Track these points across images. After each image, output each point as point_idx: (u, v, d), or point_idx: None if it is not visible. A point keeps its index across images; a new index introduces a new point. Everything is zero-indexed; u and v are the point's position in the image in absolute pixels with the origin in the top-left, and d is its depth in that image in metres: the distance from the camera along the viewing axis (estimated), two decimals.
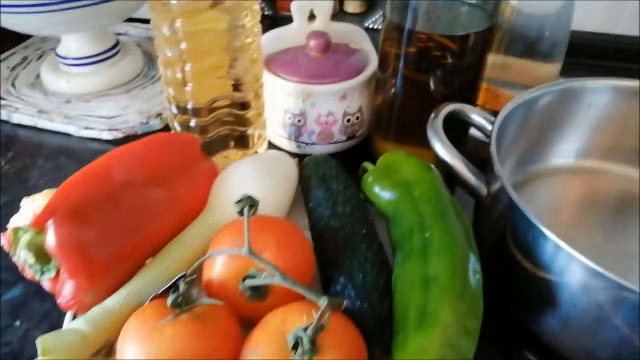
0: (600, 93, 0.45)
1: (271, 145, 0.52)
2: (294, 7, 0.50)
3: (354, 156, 0.52)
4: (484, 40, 0.44)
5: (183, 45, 0.39)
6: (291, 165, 0.41)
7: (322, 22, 0.51)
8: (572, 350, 0.34)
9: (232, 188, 0.37)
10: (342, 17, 0.80)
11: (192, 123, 0.43)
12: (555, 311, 0.33)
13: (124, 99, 0.58)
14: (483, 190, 0.38)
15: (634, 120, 0.45)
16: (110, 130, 0.53)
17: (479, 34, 0.43)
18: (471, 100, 0.48)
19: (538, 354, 0.36)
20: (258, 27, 0.43)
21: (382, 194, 0.38)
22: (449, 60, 0.43)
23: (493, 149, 0.37)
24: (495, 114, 0.44)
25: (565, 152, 0.47)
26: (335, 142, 0.50)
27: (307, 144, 0.50)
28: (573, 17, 0.66)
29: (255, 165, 0.39)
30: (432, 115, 0.41)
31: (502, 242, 0.36)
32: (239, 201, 0.30)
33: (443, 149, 0.39)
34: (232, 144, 0.46)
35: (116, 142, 0.53)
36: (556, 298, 0.32)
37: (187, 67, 0.40)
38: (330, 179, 0.39)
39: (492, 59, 0.50)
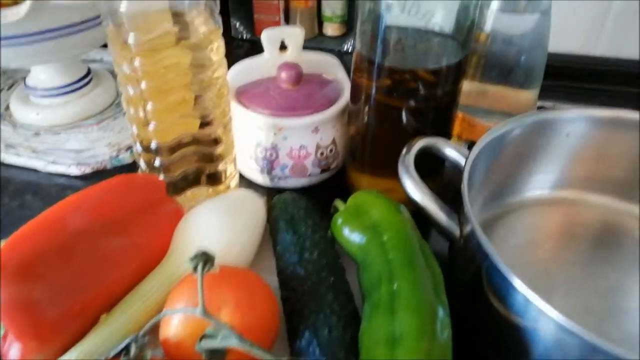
0: (576, 123, 0.44)
1: (244, 179, 0.51)
2: (264, 38, 0.48)
3: (329, 189, 0.51)
4: (457, 71, 0.43)
5: (143, 85, 0.37)
6: (258, 205, 0.39)
7: (294, 52, 0.49)
8: None
9: (193, 234, 0.36)
10: (322, 40, 0.79)
11: (157, 162, 0.41)
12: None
13: (94, 131, 0.56)
14: (456, 231, 0.37)
15: (611, 149, 0.44)
16: (78, 165, 0.52)
17: (452, 65, 0.42)
18: (446, 131, 0.47)
19: None
20: (224, 60, 0.42)
21: (352, 236, 0.36)
22: (422, 92, 0.42)
23: (464, 190, 0.36)
24: (471, 144, 0.42)
25: (542, 183, 0.46)
26: (309, 176, 0.49)
27: (280, 177, 0.48)
28: (549, 40, 0.66)
29: (219, 208, 0.37)
30: (404, 150, 0.40)
31: (476, 286, 0.34)
32: (193, 257, 0.29)
33: (414, 188, 0.38)
34: (202, 180, 0.45)
35: (84, 178, 0.52)
36: (530, 350, 0.31)
37: (149, 106, 0.38)
38: (299, 221, 0.37)
39: (468, 86, 0.49)
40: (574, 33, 0.67)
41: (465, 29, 0.41)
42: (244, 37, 0.79)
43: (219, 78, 0.41)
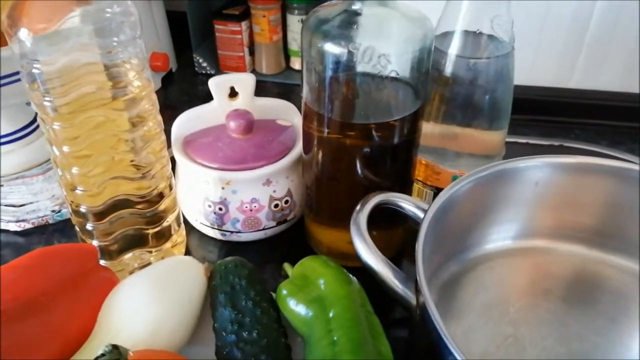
0: (541, 170, 0.41)
1: (197, 233, 0.48)
2: (211, 85, 0.46)
3: (288, 241, 0.48)
4: (413, 119, 0.40)
5: (66, 149, 0.34)
6: (197, 274, 0.36)
7: (245, 99, 0.47)
8: None
9: (118, 313, 0.32)
10: (289, 74, 0.76)
11: (89, 226, 0.38)
12: None
13: (38, 182, 0.53)
14: (412, 300, 0.34)
15: (578, 196, 0.41)
16: (18, 221, 0.48)
17: (407, 114, 0.39)
18: (405, 180, 0.44)
19: None
20: (158, 114, 0.39)
21: (297, 309, 0.33)
22: (376, 144, 0.39)
23: (418, 258, 0.32)
24: (437, 191, 0.39)
25: (509, 233, 0.42)
26: (264, 229, 0.46)
27: (232, 232, 0.45)
28: (523, 74, 0.63)
29: (150, 279, 0.34)
30: (357, 208, 0.37)
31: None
32: (100, 355, 0.25)
33: (367, 253, 0.35)
34: (145, 241, 0.41)
35: (25, 234, 0.48)
36: None
37: (74, 170, 0.35)
38: (240, 293, 0.34)
39: (436, 128, 0.47)
40: (547, 66, 0.65)
41: (421, 75, 0.39)
42: (208, 73, 0.76)
43: (156, 130, 0.38)
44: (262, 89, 0.75)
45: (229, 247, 0.47)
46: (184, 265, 0.36)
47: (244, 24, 0.72)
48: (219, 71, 0.76)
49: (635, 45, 0.62)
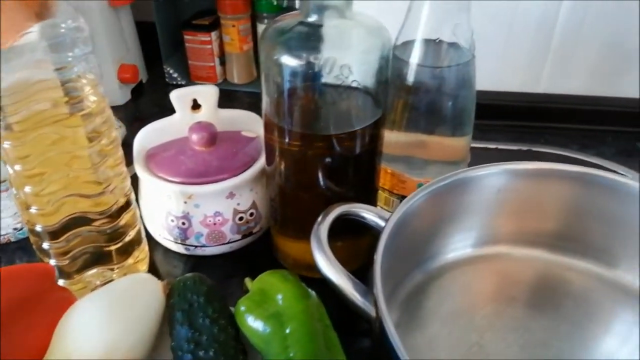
0: (501, 177, 0.41)
1: (161, 248, 0.47)
2: (173, 98, 0.45)
3: (254, 253, 0.47)
4: (373, 129, 0.40)
5: (18, 167, 0.33)
6: (155, 291, 0.35)
7: (208, 111, 0.46)
8: None
9: (75, 332, 0.31)
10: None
11: (45, 245, 0.37)
12: None
13: (2, 199, 0.52)
14: (372, 312, 0.33)
15: (539, 201, 0.41)
16: None
17: (368, 124, 0.39)
18: (368, 189, 0.44)
19: None
20: (114, 130, 0.38)
21: (255, 325, 0.32)
22: (338, 154, 0.39)
23: (377, 271, 0.32)
24: (403, 199, 0.39)
25: (472, 240, 0.42)
26: (229, 242, 0.45)
27: (196, 246, 0.45)
28: (491, 79, 0.64)
29: (107, 299, 0.33)
30: (318, 221, 0.37)
31: None
32: None
33: (326, 266, 0.34)
34: (106, 258, 0.41)
35: None
36: None
37: (27, 189, 0.34)
38: (197, 311, 0.33)
39: (401, 137, 0.46)
40: (515, 72, 0.65)
41: (381, 84, 0.39)
42: (179, 83, 0.75)
43: (113, 145, 0.38)
44: (233, 98, 0.75)
45: (194, 262, 0.46)
46: (141, 283, 0.36)
47: (213, 34, 0.71)
48: (190, 82, 0.75)
49: (601, 48, 0.63)
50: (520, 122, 0.66)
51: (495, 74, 0.65)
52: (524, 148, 0.63)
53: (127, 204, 0.40)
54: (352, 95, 0.38)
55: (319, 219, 0.37)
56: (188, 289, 0.35)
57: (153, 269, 0.46)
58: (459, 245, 0.41)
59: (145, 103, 0.73)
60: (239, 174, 0.43)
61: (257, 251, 0.47)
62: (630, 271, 0.39)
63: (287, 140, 0.39)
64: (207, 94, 0.46)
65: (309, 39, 0.37)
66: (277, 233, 0.45)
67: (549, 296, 0.41)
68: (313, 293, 0.34)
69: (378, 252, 0.34)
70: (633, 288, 0.39)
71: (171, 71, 0.75)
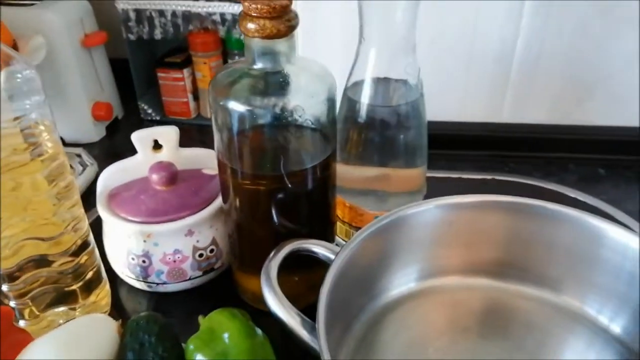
0: (438, 211, 0.42)
1: (125, 285, 0.48)
2: (134, 139, 0.46)
3: (216, 289, 0.48)
4: (324, 166, 0.41)
5: None
6: (109, 331, 0.36)
7: (169, 151, 0.47)
8: None
9: None
10: None
11: (4, 288, 0.38)
12: None
13: None
14: (317, 346, 0.34)
15: (482, 231, 0.42)
16: None
17: (317, 163, 0.41)
18: (324, 226, 0.45)
19: None
20: (69, 174, 0.39)
21: None
22: (290, 191, 0.40)
23: (321, 307, 0.33)
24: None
25: (420, 273, 0.43)
26: (190, 279, 0.46)
27: (157, 283, 0.46)
28: (456, 110, 0.65)
29: (59, 339, 0.34)
30: (269, 257, 0.38)
31: None
32: None
33: (274, 302, 0.35)
34: (67, 297, 0.41)
35: None
36: None
37: None
38: (148, 350, 0.34)
39: (355, 171, 0.48)
40: (477, 103, 0.67)
41: (328, 123, 0.40)
42: (154, 119, 0.77)
43: (69, 188, 0.39)
44: (206, 133, 0.76)
45: (157, 298, 0.47)
46: (96, 323, 0.36)
47: (186, 71, 0.73)
48: (164, 117, 0.77)
49: (559, 79, 0.65)
50: (485, 151, 0.68)
51: (459, 106, 0.67)
52: (488, 177, 0.64)
53: (86, 244, 0.41)
54: (300, 136, 0.40)
55: (270, 255, 0.38)
56: (140, 329, 0.36)
57: (118, 306, 0.47)
58: (405, 280, 0.43)
59: (120, 139, 0.75)
60: (198, 211, 0.44)
61: (220, 286, 0.48)
62: (575, 296, 0.40)
63: (239, 179, 0.40)
64: (168, 134, 0.47)
65: (255, 85, 0.39)
66: (237, 268, 0.46)
67: (500, 325, 0.42)
68: (259, 331, 0.35)
69: (324, 287, 0.35)
70: (579, 313, 0.40)
71: (146, 107, 0.76)
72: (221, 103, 0.37)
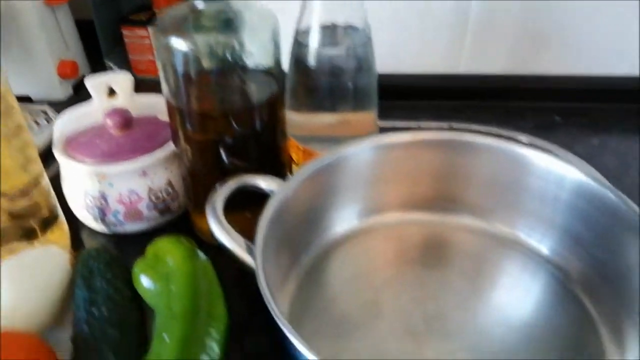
0: (376, 151, 0.44)
1: (86, 228, 0.50)
2: (88, 85, 0.48)
3: (175, 230, 0.49)
4: (270, 106, 0.43)
5: None
6: (59, 261, 0.38)
7: (124, 97, 0.49)
8: None
9: None
10: None
11: None
12: None
13: None
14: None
15: (418, 168, 0.44)
16: None
17: (264, 101, 0.42)
18: (275, 167, 0.46)
19: None
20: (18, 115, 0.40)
21: (148, 286, 0.35)
22: (237, 131, 0.42)
23: (261, 227, 0.35)
24: None
25: (362, 210, 0.45)
26: (148, 220, 0.48)
27: (115, 224, 0.47)
28: (415, 60, 0.66)
29: (9, 269, 0.36)
30: (214, 191, 0.40)
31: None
32: None
33: (219, 231, 0.37)
34: (24, 235, 0.43)
35: None
36: None
37: None
38: (97, 276, 0.36)
39: (306, 117, 0.49)
40: (436, 54, 0.68)
41: (273, 64, 0.42)
42: None
43: (20, 128, 0.40)
44: None
45: (116, 240, 0.49)
46: (49, 255, 0.38)
47: (151, 29, 0.74)
48: (133, 75, 0.77)
49: (516, 29, 0.66)
50: (444, 101, 0.69)
51: (417, 57, 0.69)
52: (445, 125, 0.66)
53: (38, 183, 0.42)
54: (246, 75, 0.41)
55: (216, 189, 0.39)
56: (91, 257, 0.37)
57: (79, 248, 0.48)
58: (349, 217, 0.45)
59: (87, 97, 0.75)
60: (151, 153, 0.45)
61: (178, 228, 0.49)
62: (507, 223, 0.43)
63: (187, 122, 0.42)
64: (122, 81, 0.48)
65: (198, 23, 0.40)
66: (192, 210, 0.48)
67: (441, 255, 0.44)
68: (203, 256, 0.37)
69: (265, 213, 0.37)
70: (512, 238, 0.43)
71: (112, 66, 0.77)
72: (164, 42, 0.38)
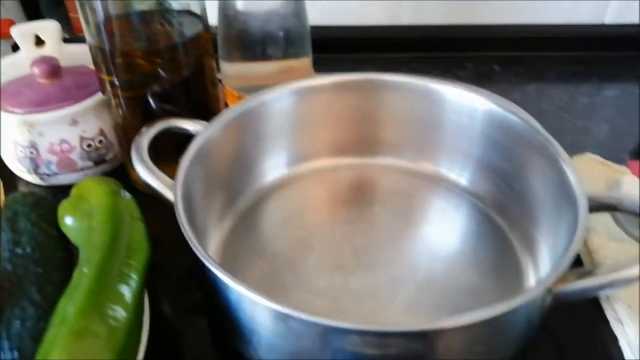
0: (296, 96, 0.44)
1: (22, 182, 0.49)
2: (14, 35, 0.47)
3: None
4: (196, 47, 0.43)
5: None
6: None
7: (52, 46, 0.48)
8: None
9: None
10: None
11: None
12: (259, 340, 0.31)
13: None
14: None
15: (340, 112, 0.45)
16: None
17: (188, 42, 0.42)
18: (208, 113, 0.47)
19: None
20: None
21: (71, 225, 0.36)
22: (164, 77, 0.42)
23: (183, 163, 0.35)
24: None
25: (287, 161, 0.46)
26: (82, 170, 0.48)
27: (49, 175, 0.47)
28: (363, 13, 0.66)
29: None
30: (139, 133, 0.40)
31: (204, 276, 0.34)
32: None
33: (142, 169, 0.37)
34: None
35: None
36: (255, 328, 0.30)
37: None
38: (22, 217, 0.36)
39: (239, 67, 0.50)
40: (377, 6, 0.69)
41: (197, 5, 0.42)
42: (64, 38, 0.76)
43: None
44: None
45: (54, 192, 0.48)
46: None
47: None
48: (74, 35, 0.76)
49: None
50: (387, 53, 0.70)
51: (361, 10, 0.69)
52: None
53: None
54: (167, 15, 0.41)
55: (141, 131, 0.40)
56: (16, 201, 0.38)
57: None
58: (277, 165, 0.45)
59: None
60: (81, 101, 0.45)
61: (114, 178, 0.50)
62: (429, 160, 0.44)
63: (110, 66, 0.41)
64: (49, 29, 0.48)
65: None
66: (126, 159, 0.48)
67: (372, 195, 0.46)
68: (127, 194, 0.37)
69: (189, 151, 0.37)
70: (434, 175, 0.44)
71: None
72: None
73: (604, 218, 0.42)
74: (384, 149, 0.45)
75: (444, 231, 0.42)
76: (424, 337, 0.27)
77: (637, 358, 0.34)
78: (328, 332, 0.26)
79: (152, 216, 0.38)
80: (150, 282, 0.35)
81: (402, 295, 0.37)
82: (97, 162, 0.48)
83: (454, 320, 0.26)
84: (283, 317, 0.27)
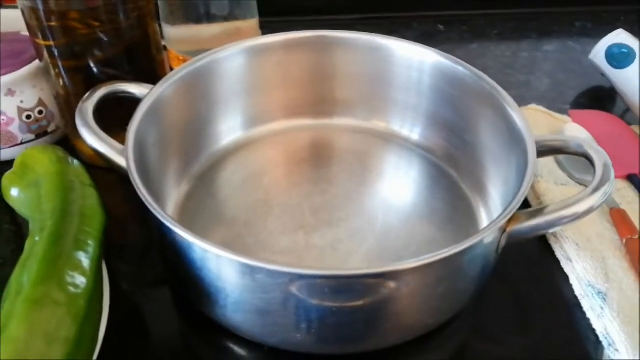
0: (247, 55, 0.43)
1: None
2: None
3: None
4: (138, 8, 0.41)
5: None
6: None
7: None
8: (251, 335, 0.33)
9: None
10: None
11: None
12: (225, 298, 0.30)
13: None
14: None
15: (291, 72, 0.45)
16: None
17: (128, 0, 0.40)
18: (153, 78, 0.45)
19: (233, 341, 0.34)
20: None
21: (18, 196, 0.34)
22: (103, 40, 0.40)
23: (133, 123, 0.34)
24: None
25: (242, 124, 0.46)
26: (24, 143, 0.45)
27: None
28: None
29: None
30: (83, 99, 0.38)
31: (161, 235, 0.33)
32: None
33: (92, 137, 0.36)
34: None
35: None
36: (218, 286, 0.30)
37: None
38: None
39: (184, 30, 0.48)
40: None
41: None
42: None
43: None
44: None
45: None
46: None
47: None
48: (3, 6, 0.71)
49: None
50: (332, 16, 0.70)
51: None
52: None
53: None
54: None
55: (85, 97, 0.38)
56: None
57: None
58: (233, 128, 0.45)
59: None
60: (16, 70, 0.43)
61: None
62: (381, 118, 0.45)
63: (46, 29, 0.39)
64: None
65: None
66: (70, 130, 0.46)
67: (328, 155, 0.46)
68: (75, 161, 0.36)
69: (137, 114, 0.36)
70: (387, 132, 0.45)
71: None
72: None
73: (550, 164, 0.43)
74: (337, 109, 0.45)
75: (399, 185, 0.43)
76: (388, 279, 0.27)
77: (584, 292, 0.36)
78: (294, 280, 0.26)
79: (101, 191, 0.36)
80: (107, 258, 0.34)
81: (363, 249, 0.38)
82: (39, 134, 0.46)
83: (415, 261, 0.27)
84: (249, 271, 0.27)
